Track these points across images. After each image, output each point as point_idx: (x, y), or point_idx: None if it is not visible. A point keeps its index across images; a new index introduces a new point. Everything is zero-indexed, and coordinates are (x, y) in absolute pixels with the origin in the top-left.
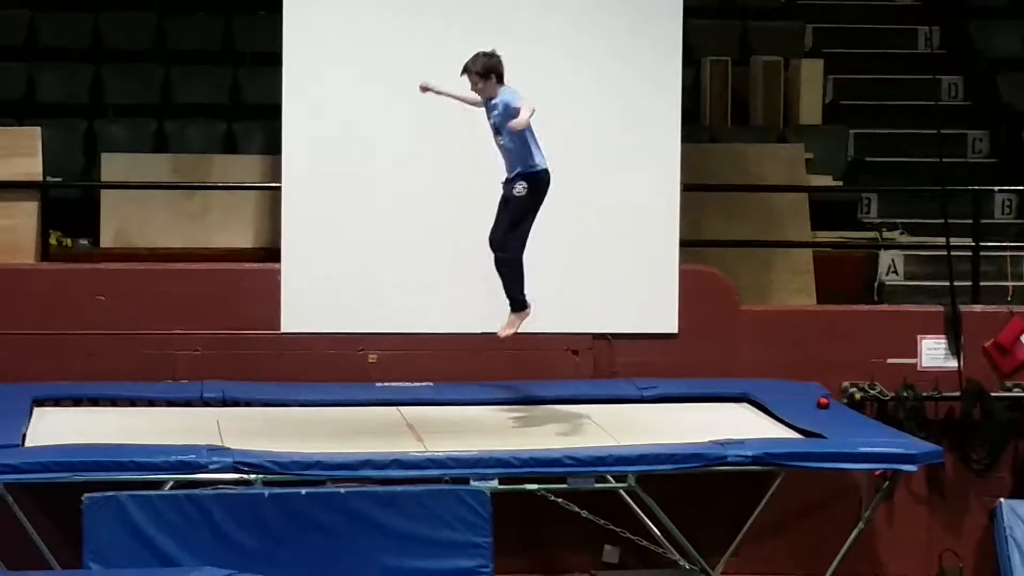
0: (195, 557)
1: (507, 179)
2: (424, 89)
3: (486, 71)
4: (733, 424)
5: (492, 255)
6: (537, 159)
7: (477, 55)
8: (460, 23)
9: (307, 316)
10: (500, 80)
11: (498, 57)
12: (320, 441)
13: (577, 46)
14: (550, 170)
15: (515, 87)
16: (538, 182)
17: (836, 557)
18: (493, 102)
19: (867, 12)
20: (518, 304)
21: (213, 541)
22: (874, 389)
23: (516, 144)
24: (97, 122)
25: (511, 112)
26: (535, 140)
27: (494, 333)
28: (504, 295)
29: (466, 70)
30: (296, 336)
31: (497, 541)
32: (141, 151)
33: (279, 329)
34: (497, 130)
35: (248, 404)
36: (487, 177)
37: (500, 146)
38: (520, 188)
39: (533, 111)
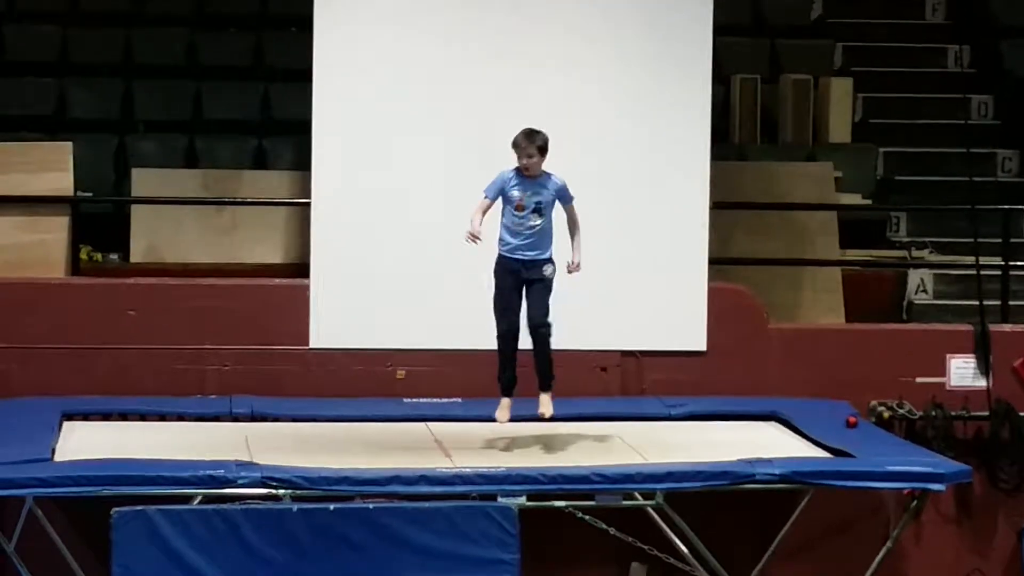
0: (223, 571)
1: (532, 260)
2: (474, 238)
3: (543, 148)
4: (761, 442)
5: (533, 331)
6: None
7: (533, 132)
8: (489, 43)
9: (336, 332)
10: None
11: (547, 137)
12: (349, 457)
13: (606, 65)
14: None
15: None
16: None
17: None
18: (540, 181)
19: (897, 31)
20: (550, 382)
21: (241, 556)
22: (902, 408)
23: (548, 226)
24: (128, 137)
25: (566, 197)
26: None
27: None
28: (538, 373)
29: (519, 145)
30: (325, 352)
31: (524, 558)
32: (172, 166)
33: (308, 345)
34: (537, 210)
35: (276, 419)
36: None
37: (528, 226)
38: (551, 270)
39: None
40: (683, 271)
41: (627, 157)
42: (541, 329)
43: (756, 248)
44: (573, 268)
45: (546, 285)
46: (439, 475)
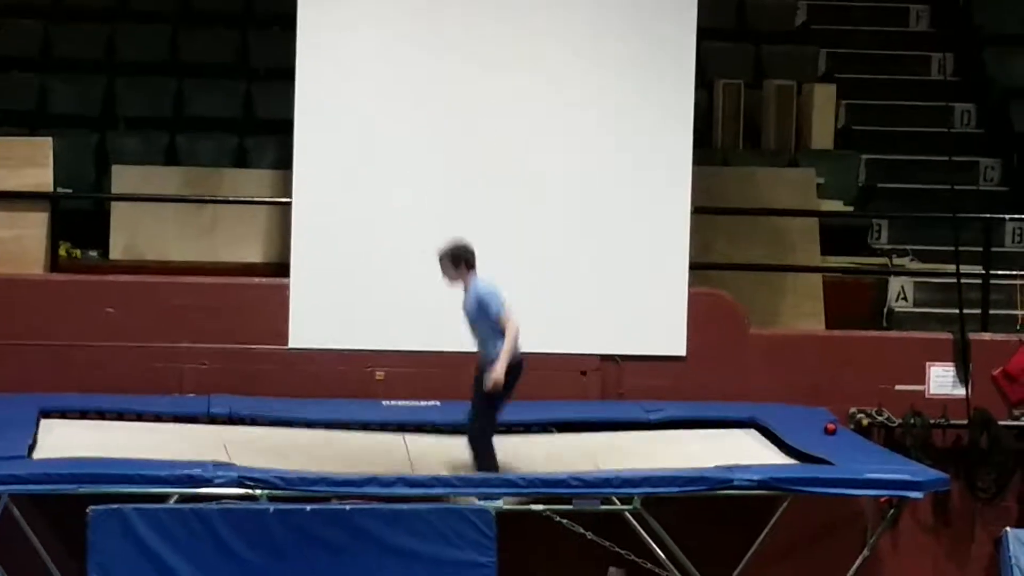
0: (199, 570)
1: (480, 364)
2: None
3: (455, 260)
4: (739, 448)
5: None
6: None
7: (445, 249)
8: (472, 43)
9: (315, 332)
10: (470, 267)
11: (464, 247)
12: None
13: (590, 68)
14: (522, 357)
15: (493, 283)
16: (511, 371)
17: None
18: (470, 291)
19: (881, 38)
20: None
21: (217, 555)
22: (881, 415)
23: (489, 335)
24: (109, 134)
25: (487, 313)
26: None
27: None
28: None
29: (439, 259)
30: (304, 352)
31: (501, 561)
32: (152, 164)
33: (287, 344)
34: (468, 320)
35: (254, 420)
36: (499, 195)
37: (472, 331)
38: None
39: (511, 350)
40: (664, 276)
41: (609, 161)
42: (470, 440)
43: (737, 253)
44: (489, 383)
45: (479, 395)
46: (417, 478)
